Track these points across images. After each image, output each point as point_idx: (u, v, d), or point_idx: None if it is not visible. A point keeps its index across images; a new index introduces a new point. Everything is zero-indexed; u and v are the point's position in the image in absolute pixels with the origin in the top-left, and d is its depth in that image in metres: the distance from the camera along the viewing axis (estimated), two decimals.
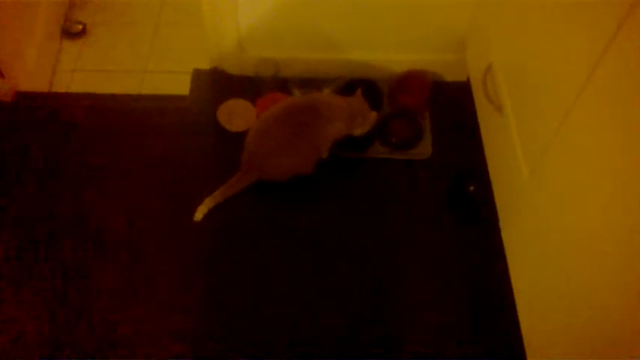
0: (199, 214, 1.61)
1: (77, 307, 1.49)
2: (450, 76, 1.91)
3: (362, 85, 1.75)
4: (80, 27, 2.05)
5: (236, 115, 1.80)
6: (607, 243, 0.91)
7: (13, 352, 1.42)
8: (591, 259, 0.96)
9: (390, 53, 1.85)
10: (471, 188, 1.66)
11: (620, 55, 0.84)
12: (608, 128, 0.89)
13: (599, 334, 0.96)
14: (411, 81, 1.82)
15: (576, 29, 0.98)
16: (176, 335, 1.45)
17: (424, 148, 1.76)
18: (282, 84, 1.86)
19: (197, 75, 1.92)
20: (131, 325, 1.46)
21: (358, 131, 1.68)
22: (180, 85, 1.90)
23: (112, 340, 1.44)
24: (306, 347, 1.45)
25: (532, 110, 1.17)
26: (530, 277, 1.22)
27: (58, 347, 1.43)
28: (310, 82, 1.85)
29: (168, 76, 1.94)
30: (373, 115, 1.67)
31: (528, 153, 1.18)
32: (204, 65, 1.92)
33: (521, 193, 1.21)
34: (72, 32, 2.04)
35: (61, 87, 1.91)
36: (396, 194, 1.70)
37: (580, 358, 1.02)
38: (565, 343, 1.07)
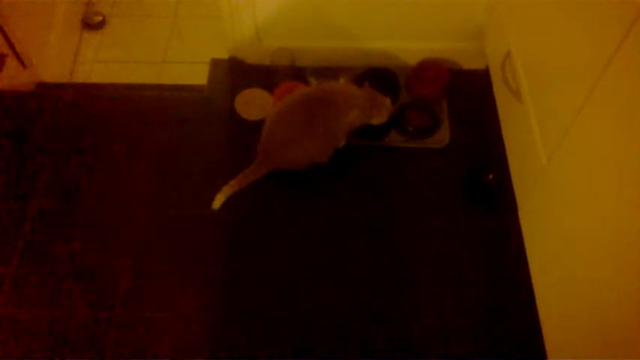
0: (217, 203, 1.62)
1: (95, 301, 1.50)
2: (467, 65, 1.89)
3: (379, 74, 1.75)
4: (100, 18, 2.07)
5: (253, 104, 1.81)
6: (624, 231, 0.90)
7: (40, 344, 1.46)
8: (610, 248, 0.95)
9: (407, 42, 1.84)
10: (490, 176, 1.65)
11: (639, 42, 0.83)
12: (625, 115, 0.88)
13: (620, 330, 0.95)
14: (428, 69, 1.81)
15: (595, 15, 0.97)
16: (195, 327, 1.47)
17: (441, 137, 1.75)
18: (299, 73, 1.86)
19: (215, 65, 1.93)
20: (147, 317, 1.48)
21: (376, 120, 1.68)
22: (198, 75, 1.91)
23: (128, 335, 1.46)
24: (321, 344, 1.45)
25: (550, 97, 1.16)
26: (549, 265, 1.21)
27: (75, 344, 1.45)
28: (327, 71, 1.85)
29: (186, 66, 1.96)
30: (387, 101, 1.66)
31: (546, 140, 1.17)
32: (222, 55, 1.93)
33: (540, 180, 1.20)
34: (92, 23, 2.07)
35: (81, 77, 1.95)
36: (413, 183, 1.69)
37: (603, 358, 1.00)
38: (587, 339, 1.05)
